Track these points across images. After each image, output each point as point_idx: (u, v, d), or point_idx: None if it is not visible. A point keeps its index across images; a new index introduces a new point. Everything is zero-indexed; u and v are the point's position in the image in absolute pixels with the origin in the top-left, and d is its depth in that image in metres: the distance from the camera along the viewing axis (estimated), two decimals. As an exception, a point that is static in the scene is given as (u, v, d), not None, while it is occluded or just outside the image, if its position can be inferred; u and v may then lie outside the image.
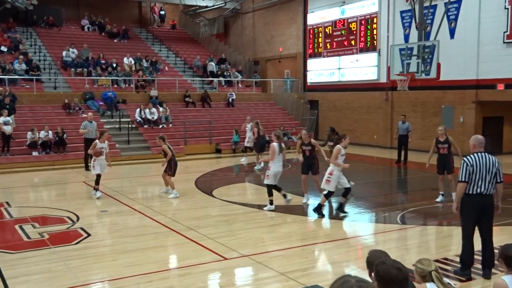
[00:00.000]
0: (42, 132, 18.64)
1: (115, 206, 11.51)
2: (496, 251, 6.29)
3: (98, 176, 12.31)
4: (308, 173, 11.63)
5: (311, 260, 7.90)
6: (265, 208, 10.81)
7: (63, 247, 8.19)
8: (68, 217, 10.25)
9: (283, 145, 10.96)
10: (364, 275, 4.84)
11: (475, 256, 6.79)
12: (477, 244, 6.74)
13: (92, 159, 12.31)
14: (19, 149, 18.40)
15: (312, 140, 11.74)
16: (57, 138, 18.67)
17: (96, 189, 12.34)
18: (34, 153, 18.39)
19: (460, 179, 6.54)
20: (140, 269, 7.10)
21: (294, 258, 7.65)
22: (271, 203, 10.80)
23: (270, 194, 10.78)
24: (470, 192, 6.53)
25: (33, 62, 23.39)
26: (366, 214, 10.92)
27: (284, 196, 11.16)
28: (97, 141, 12.28)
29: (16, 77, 22.26)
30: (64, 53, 25.09)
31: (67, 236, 8.93)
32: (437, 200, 11.46)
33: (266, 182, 10.81)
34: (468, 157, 6.57)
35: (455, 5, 19.54)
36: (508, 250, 4.16)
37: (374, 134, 23.42)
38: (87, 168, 17.07)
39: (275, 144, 10.70)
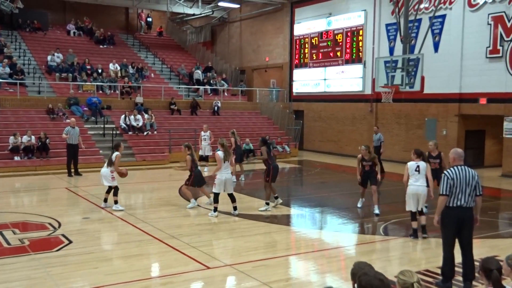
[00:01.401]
0: (24, 137, 18.43)
1: (98, 213, 11.41)
2: (476, 263, 6.37)
3: (116, 188, 11.59)
4: (367, 186, 11.78)
5: (294, 270, 7.91)
6: (209, 214, 10.98)
7: (44, 254, 8.09)
8: (50, 224, 10.13)
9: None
10: (347, 286, 4.87)
11: (456, 269, 6.85)
12: (458, 257, 6.81)
13: (110, 170, 11.45)
14: (1, 153, 18.17)
15: (372, 155, 11.62)
16: (39, 143, 18.47)
17: (116, 202, 11.58)
18: (16, 158, 18.17)
19: (441, 193, 6.61)
20: (121, 277, 7.04)
21: (277, 268, 7.65)
22: (215, 210, 10.95)
23: (215, 201, 10.94)
24: (450, 204, 6.60)
25: (18, 66, 23.17)
26: (349, 224, 10.97)
27: (234, 208, 11.17)
28: (119, 153, 11.62)
29: (0, 80, 22.03)
30: (49, 57, 24.91)
31: (48, 243, 8.82)
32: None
33: (213, 190, 10.99)
34: (448, 170, 6.66)
35: (440, 20, 19.84)
36: (488, 263, 4.21)
37: (359, 145, 23.53)
38: (69, 174, 16.92)
39: (219, 153, 10.86)
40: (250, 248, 8.63)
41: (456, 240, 6.76)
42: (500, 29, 17.90)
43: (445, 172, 6.67)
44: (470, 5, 18.93)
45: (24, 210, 11.90)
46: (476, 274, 6.40)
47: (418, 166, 9.23)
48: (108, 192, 11.72)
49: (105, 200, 11.76)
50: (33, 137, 18.57)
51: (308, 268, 7.89)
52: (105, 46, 29.62)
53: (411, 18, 18.29)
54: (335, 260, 8.37)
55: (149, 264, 7.98)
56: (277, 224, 10.70)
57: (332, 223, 11.27)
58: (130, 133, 21.48)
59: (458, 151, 6.79)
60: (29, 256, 7.99)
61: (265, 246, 8.86)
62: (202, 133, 18.55)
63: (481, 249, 8.37)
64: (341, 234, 10.32)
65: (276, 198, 12.10)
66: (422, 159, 9.35)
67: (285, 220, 11.35)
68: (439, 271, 7.06)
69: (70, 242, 8.79)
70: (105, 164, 11.71)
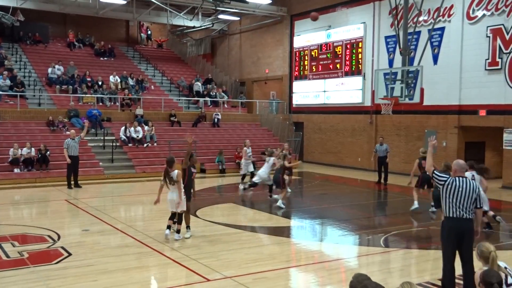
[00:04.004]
0: (24, 149, 18.43)
1: (97, 225, 11.37)
2: (477, 275, 6.32)
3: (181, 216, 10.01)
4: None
5: (294, 283, 7.87)
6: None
7: (43, 267, 8.05)
8: (49, 236, 10.09)
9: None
10: (347, 298, 4.83)
11: (457, 280, 6.82)
12: (459, 269, 6.78)
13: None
14: (0, 165, 18.16)
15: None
16: (39, 155, 18.45)
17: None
18: (16, 170, 18.16)
19: (434, 170, 6.80)
20: (121, 290, 7.01)
21: (278, 280, 7.62)
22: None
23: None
24: (450, 215, 6.59)
25: (18, 78, 23.24)
26: (349, 236, 10.94)
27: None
28: (178, 171, 9.99)
29: (0, 92, 22.08)
30: (49, 69, 24.99)
31: (48, 256, 8.79)
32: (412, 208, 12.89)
33: None
34: (451, 177, 6.67)
35: (439, 32, 19.94)
36: (489, 276, 4.16)
37: (358, 157, 23.57)
38: (69, 186, 16.88)
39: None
40: (250, 260, 8.60)
41: (457, 252, 6.74)
42: (499, 41, 17.98)
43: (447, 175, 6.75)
44: (469, 18, 19.04)
45: (23, 222, 11.87)
46: (477, 287, 6.37)
47: (473, 175, 10.05)
48: (176, 220, 9.98)
49: (178, 231, 9.94)
50: (33, 149, 18.56)
51: (309, 280, 7.86)
52: (105, 58, 29.74)
53: (410, 30, 18.38)
54: (335, 272, 8.33)
55: (148, 277, 7.94)
56: (277, 236, 10.67)
57: (332, 235, 11.23)
58: (130, 145, 21.49)
59: (459, 163, 6.81)
60: (28, 268, 7.95)
61: (265, 258, 8.82)
62: (246, 149, 17.06)
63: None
64: (341, 246, 10.29)
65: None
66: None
67: (285, 232, 11.31)
68: (439, 283, 7.03)
69: (70, 254, 8.75)
70: (171, 189, 9.86)
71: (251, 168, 17.33)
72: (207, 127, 25.15)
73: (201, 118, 25.14)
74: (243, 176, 17.10)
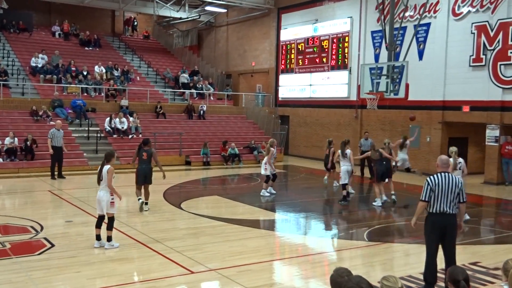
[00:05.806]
0: (7, 138, 18.21)
1: (81, 216, 11.31)
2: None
3: (112, 219, 8.79)
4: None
5: (278, 275, 7.92)
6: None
7: (26, 258, 7.99)
8: (32, 227, 10.02)
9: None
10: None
11: (439, 274, 6.92)
12: (441, 263, 6.88)
13: (110, 192, 8.62)
14: (-17, 155, 17.93)
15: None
16: (28, 143, 18.20)
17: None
18: (-1, 160, 17.97)
19: (421, 198, 6.75)
20: (104, 282, 6.99)
21: (262, 273, 7.65)
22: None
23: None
24: (432, 211, 6.67)
25: (1, 66, 22.90)
26: (333, 230, 11.01)
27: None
28: (110, 166, 8.76)
29: (-17, 81, 21.77)
30: (32, 59, 24.66)
31: (30, 246, 8.73)
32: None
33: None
34: (431, 176, 6.74)
35: (424, 28, 20.07)
36: (455, 274, 4.13)
37: (343, 151, 23.65)
38: (53, 176, 16.74)
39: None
40: (234, 253, 8.62)
41: (440, 247, 6.82)
42: (483, 38, 18.14)
43: (427, 178, 6.76)
44: (454, 14, 19.19)
45: (6, 213, 11.73)
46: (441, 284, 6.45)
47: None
48: (99, 225, 8.80)
49: (98, 238, 8.75)
50: (16, 139, 18.35)
51: (292, 273, 7.90)
52: (90, 48, 29.43)
53: (396, 25, 18.47)
54: (319, 265, 8.40)
55: (132, 268, 7.92)
56: (262, 229, 10.71)
57: (316, 229, 11.30)
58: (115, 136, 21.34)
59: (442, 158, 6.89)
60: (10, 259, 7.89)
61: (250, 251, 8.85)
62: (273, 149, 14.90)
63: (463, 255, 8.46)
64: (325, 239, 10.36)
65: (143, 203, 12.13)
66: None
67: (270, 225, 11.36)
68: (421, 276, 7.12)
69: (53, 245, 8.70)
70: (100, 186, 8.67)
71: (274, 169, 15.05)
72: (193, 119, 25.06)
73: (192, 111, 25.04)
74: (267, 178, 14.73)
